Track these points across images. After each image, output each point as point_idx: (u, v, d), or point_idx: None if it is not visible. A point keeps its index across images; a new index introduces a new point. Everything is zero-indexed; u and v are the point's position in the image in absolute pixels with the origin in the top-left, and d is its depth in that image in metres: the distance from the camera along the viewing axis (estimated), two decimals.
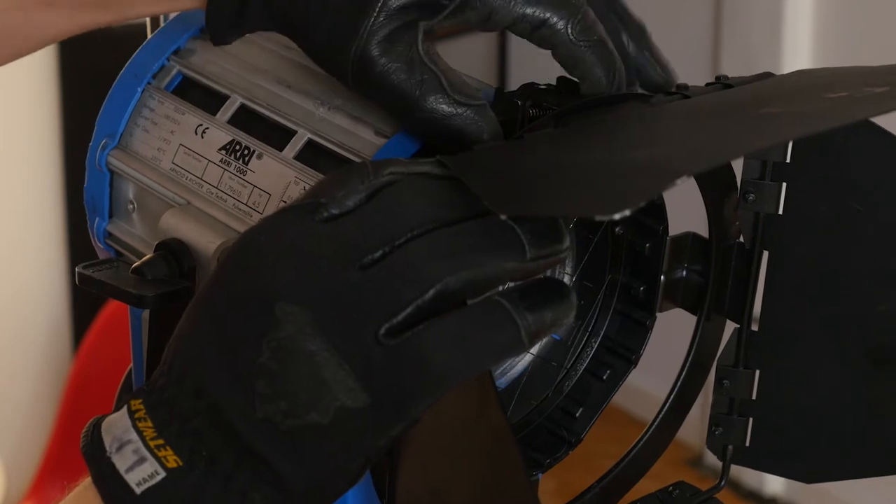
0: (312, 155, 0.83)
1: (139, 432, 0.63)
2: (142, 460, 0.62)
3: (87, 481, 0.65)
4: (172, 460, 0.62)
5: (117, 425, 0.64)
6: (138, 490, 0.62)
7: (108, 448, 0.63)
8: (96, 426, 0.65)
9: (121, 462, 0.62)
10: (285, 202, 0.82)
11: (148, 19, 1.08)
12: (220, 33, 0.81)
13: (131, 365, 0.97)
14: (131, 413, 0.64)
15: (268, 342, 0.62)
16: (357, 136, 0.81)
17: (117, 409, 0.65)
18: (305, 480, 0.62)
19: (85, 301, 2.75)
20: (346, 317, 0.62)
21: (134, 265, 0.83)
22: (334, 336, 0.61)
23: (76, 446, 2.12)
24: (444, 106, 0.74)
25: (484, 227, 0.64)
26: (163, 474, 0.61)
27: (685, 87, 0.82)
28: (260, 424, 0.62)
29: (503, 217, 0.63)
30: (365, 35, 0.73)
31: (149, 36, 0.95)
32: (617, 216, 0.59)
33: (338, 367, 0.61)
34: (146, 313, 0.86)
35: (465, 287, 0.62)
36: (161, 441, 0.62)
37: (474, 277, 0.62)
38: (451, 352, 0.61)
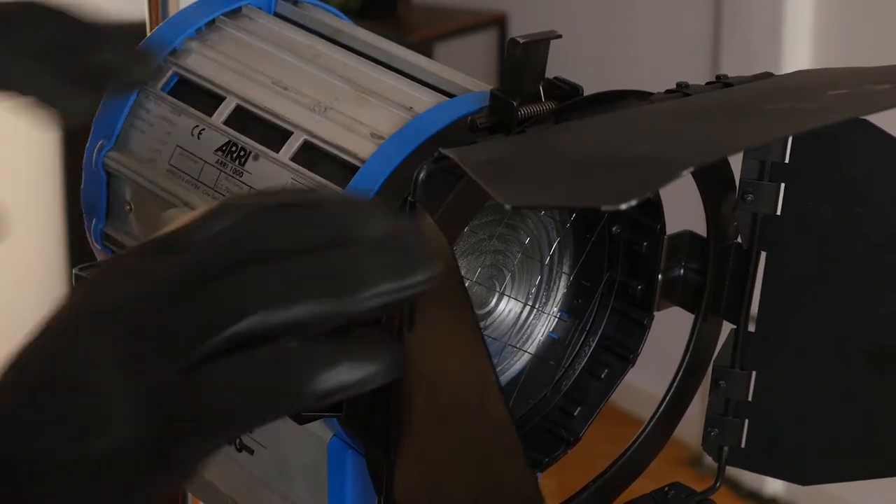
0: (309, 156, 0.83)
1: None
2: None
3: None
4: None
5: None
6: None
7: None
8: None
9: None
10: None
11: (147, 19, 1.08)
12: None
13: None
14: None
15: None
16: (353, 137, 0.81)
17: None
18: None
19: None
20: (150, 345, 0.55)
21: None
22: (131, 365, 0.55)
23: None
24: None
25: (327, 261, 0.56)
26: None
27: (685, 85, 0.82)
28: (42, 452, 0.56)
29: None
30: None
31: (148, 35, 0.96)
32: (623, 206, 0.58)
33: (124, 396, 0.55)
34: None
35: (277, 326, 0.55)
36: None
37: (284, 318, 0.55)
38: (226, 399, 0.55)
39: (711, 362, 0.91)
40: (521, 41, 0.76)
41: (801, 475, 0.92)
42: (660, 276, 0.88)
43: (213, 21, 0.92)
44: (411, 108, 0.81)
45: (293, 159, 0.83)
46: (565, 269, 0.90)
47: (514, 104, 0.76)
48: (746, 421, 0.90)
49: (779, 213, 0.87)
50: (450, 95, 0.83)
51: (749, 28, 2.81)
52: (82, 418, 0.55)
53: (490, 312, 0.89)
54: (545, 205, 0.64)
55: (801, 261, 0.88)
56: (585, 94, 0.80)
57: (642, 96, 0.80)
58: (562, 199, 0.65)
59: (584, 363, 0.91)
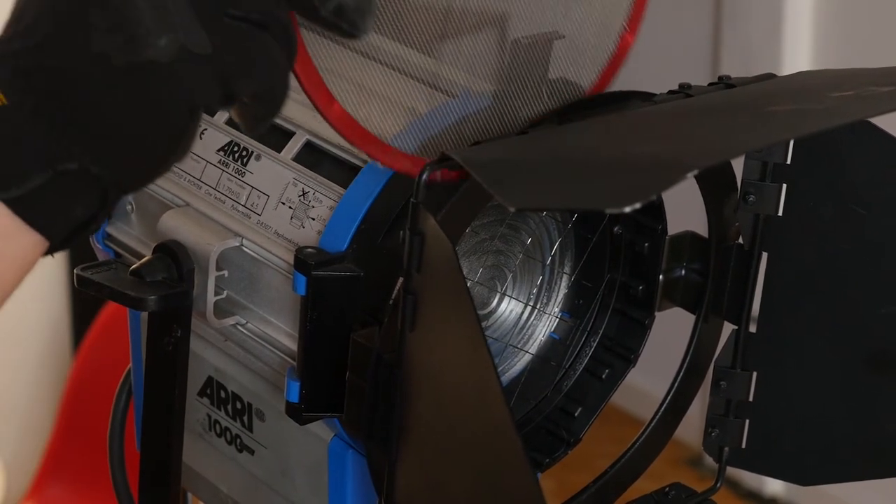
0: (310, 156, 0.83)
1: None
2: None
3: None
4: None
5: None
6: None
7: None
8: None
9: None
10: (283, 203, 0.82)
11: None
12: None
13: (130, 365, 0.97)
14: None
15: None
16: None
17: None
18: (127, 126, 0.61)
19: (85, 301, 2.74)
20: None
21: (132, 267, 0.83)
22: None
23: (76, 446, 2.11)
24: None
25: None
26: None
27: (687, 86, 0.82)
28: (92, 61, 0.60)
29: None
30: None
31: None
32: (627, 209, 0.58)
33: (182, 6, 0.61)
34: (145, 314, 0.86)
35: None
36: None
37: None
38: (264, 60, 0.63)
39: (712, 363, 0.91)
40: (523, 41, 0.76)
41: (801, 475, 0.92)
42: (661, 277, 0.88)
43: None
44: (413, 108, 0.81)
45: (295, 159, 0.83)
46: (566, 269, 0.90)
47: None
48: (747, 421, 0.90)
49: (780, 214, 0.87)
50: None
51: (749, 28, 2.80)
52: (134, 27, 0.60)
53: (491, 313, 0.89)
54: (549, 207, 0.64)
55: (803, 262, 0.88)
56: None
57: (645, 97, 0.80)
58: (565, 202, 0.65)
59: (585, 363, 0.91)
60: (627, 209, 0.58)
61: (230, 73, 0.62)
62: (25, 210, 0.61)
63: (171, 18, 0.60)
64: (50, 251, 0.64)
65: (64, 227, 0.63)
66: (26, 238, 0.62)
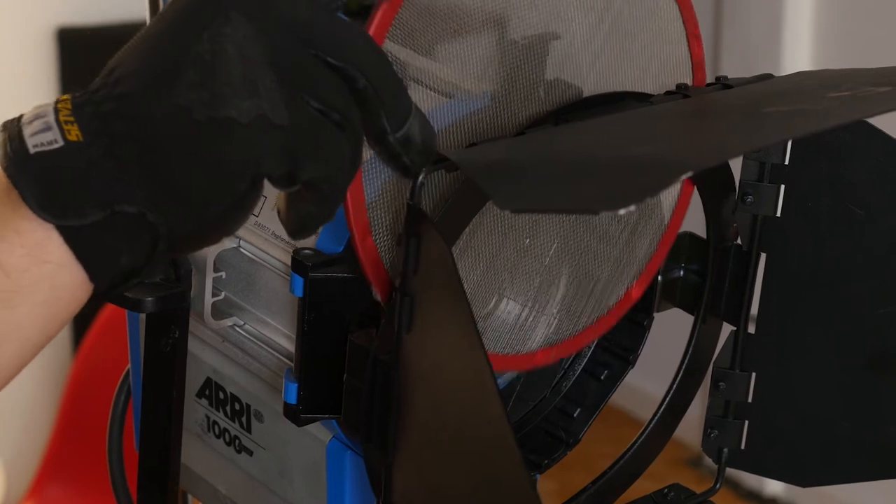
0: None
1: (56, 111, 0.64)
2: (47, 129, 0.63)
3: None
4: (75, 135, 0.63)
5: (40, 107, 0.65)
6: (32, 150, 0.63)
7: (23, 119, 0.65)
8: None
9: (28, 128, 0.64)
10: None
11: (148, 19, 1.08)
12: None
13: (129, 366, 0.97)
14: (56, 101, 0.65)
15: (210, 35, 0.63)
16: None
17: None
18: (192, 180, 0.63)
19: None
20: (296, 49, 0.64)
21: None
22: (277, 55, 0.63)
23: (76, 446, 2.11)
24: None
25: None
26: (61, 143, 0.63)
27: (685, 87, 0.82)
28: (173, 111, 0.63)
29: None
30: None
31: None
32: (622, 212, 0.58)
33: (270, 80, 0.63)
34: (143, 316, 0.86)
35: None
36: (71, 118, 0.63)
37: None
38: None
39: (711, 364, 0.91)
40: (522, 42, 0.76)
41: (800, 476, 0.92)
42: (659, 278, 0.88)
43: None
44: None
45: None
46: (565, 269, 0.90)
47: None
48: (746, 422, 0.90)
49: (779, 214, 0.87)
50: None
51: (749, 28, 2.80)
52: (222, 86, 0.63)
53: (489, 314, 0.88)
54: (543, 210, 0.64)
55: (801, 262, 0.88)
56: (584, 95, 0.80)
57: (642, 98, 0.80)
58: (561, 204, 0.65)
59: (583, 364, 0.91)
60: (622, 212, 0.58)
61: (300, 151, 0.64)
62: (77, 242, 0.63)
63: (257, 86, 0.63)
64: (94, 297, 0.65)
65: (108, 271, 0.64)
66: (75, 273, 0.64)
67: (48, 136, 0.63)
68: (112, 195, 0.63)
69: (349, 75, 0.65)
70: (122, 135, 0.63)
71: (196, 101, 0.63)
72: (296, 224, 0.68)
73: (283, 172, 0.64)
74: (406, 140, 0.67)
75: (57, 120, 0.63)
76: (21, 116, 0.65)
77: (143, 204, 0.63)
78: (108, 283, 0.65)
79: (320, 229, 0.70)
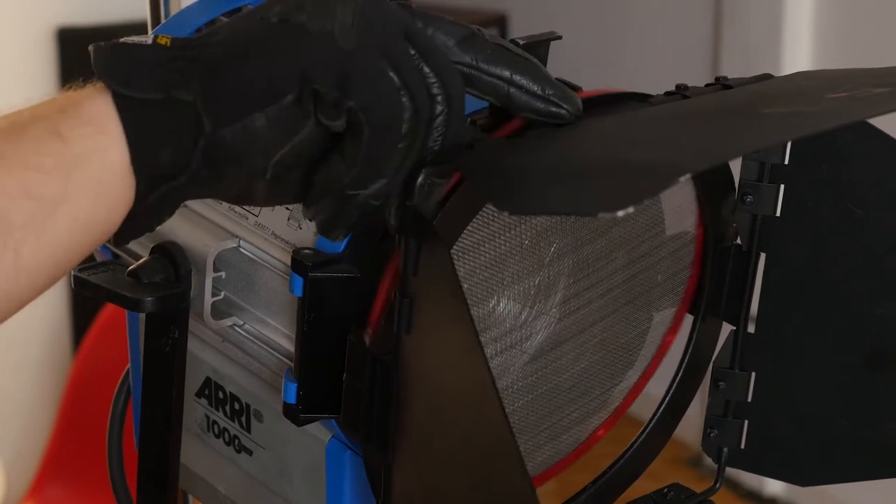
0: None
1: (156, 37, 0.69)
2: (142, 38, 0.69)
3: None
4: (164, 41, 0.68)
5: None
6: (121, 41, 0.68)
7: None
8: None
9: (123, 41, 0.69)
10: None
11: (149, 19, 1.08)
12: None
13: (129, 366, 0.97)
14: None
15: None
16: None
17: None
18: (246, 74, 0.68)
19: (84, 302, 2.75)
20: (398, 37, 0.69)
21: (130, 268, 0.83)
22: (381, 28, 0.69)
23: (76, 446, 2.11)
24: None
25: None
26: (149, 42, 0.68)
27: (685, 87, 0.82)
28: (257, 20, 0.68)
29: None
30: None
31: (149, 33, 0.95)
32: (620, 214, 0.58)
33: (354, 20, 0.68)
34: (143, 316, 0.86)
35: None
36: (169, 38, 0.69)
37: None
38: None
39: (711, 363, 0.91)
40: (521, 42, 0.76)
41: (800, 476, 0.92)
42: (659, 277, 0.88)
43: (213, 21, 0.92)
44: None
45: None
46: (564, 269, 0.90)
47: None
48: (746, 422, 0.90)
49: (778, 214, 0.87)
50: None
51: (749, 28, 2.80)
52: (305, 2, 0.68)
53: (489, 313, 0.88)
54: (542, 212, 0.64)
55: (801, 262, 0.88)
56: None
57: (641, 98, 0.80)
58: (559, 207, 0.65)
59: None
60: (620, 214, 0.58)
61: (352, 81, 0.67)
62: (129, 116, 0.66)
63: (335, 13, 0.68)
64: (133, 207, 0.68)
65: (149, 160, 0.67)
66: (122, 154, 0.66)
67: (140, 39, 0.69)
68: (173, 82, 0.67)
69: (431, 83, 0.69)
70: (201, 43, 0.68)
71: (279, 11, 0.68)
72: (333, 207, 0.70)
73: (329, 89, 0.67)
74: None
75: (154, 36, 0.69)
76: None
77: (198, 93, 0.67)
78: (146, 181, 0.67)
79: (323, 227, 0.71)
